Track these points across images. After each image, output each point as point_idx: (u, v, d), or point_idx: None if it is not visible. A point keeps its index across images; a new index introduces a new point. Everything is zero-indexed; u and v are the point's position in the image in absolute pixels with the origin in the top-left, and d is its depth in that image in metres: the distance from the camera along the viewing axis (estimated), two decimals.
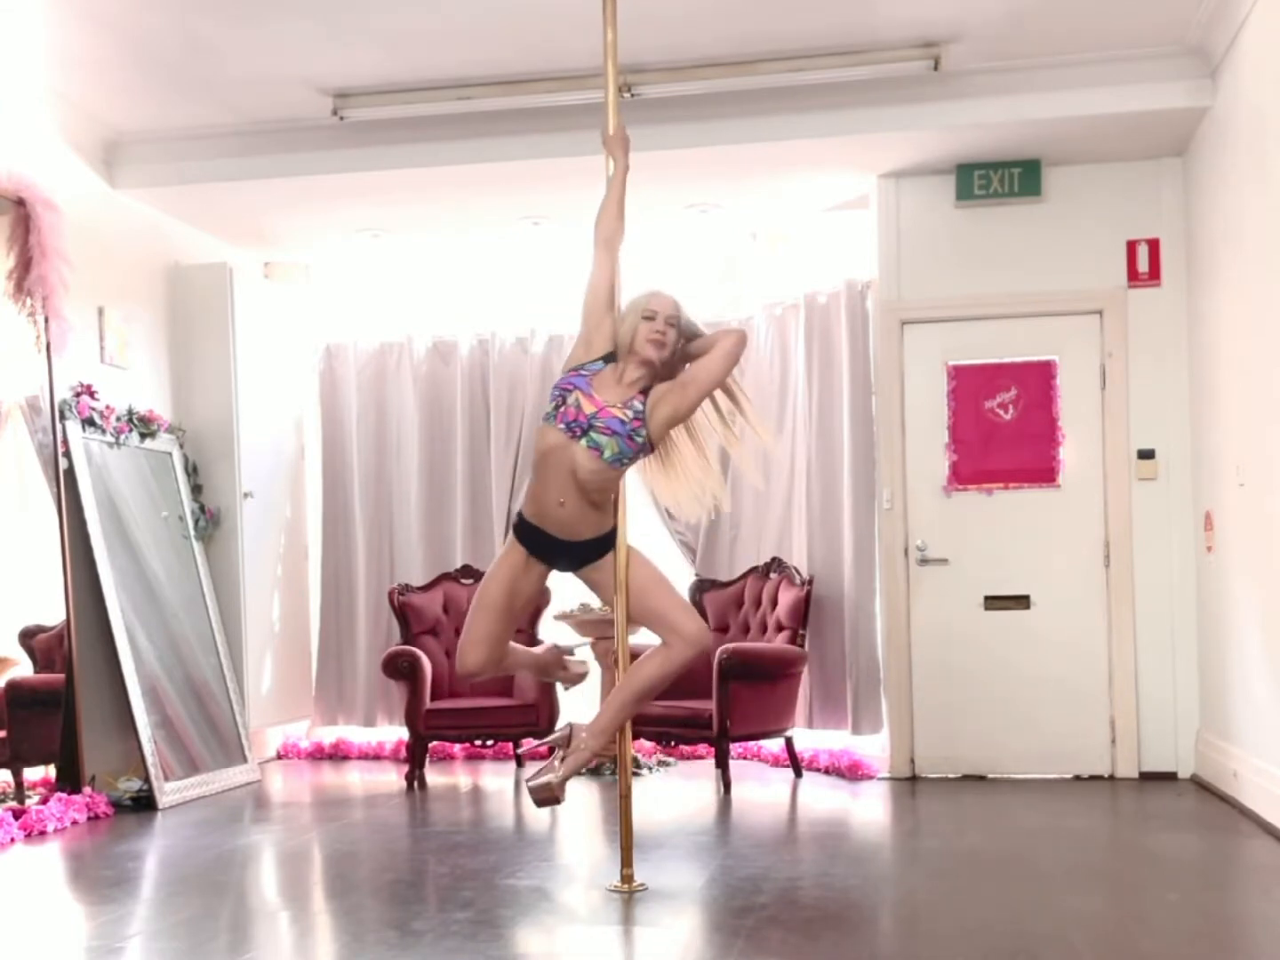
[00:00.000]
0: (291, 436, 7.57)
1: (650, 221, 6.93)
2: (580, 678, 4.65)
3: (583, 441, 3.87)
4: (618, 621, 4.15)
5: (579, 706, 6.73)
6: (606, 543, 4.07)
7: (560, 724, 6.57)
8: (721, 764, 6.06)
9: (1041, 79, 5.68)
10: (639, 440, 3.92)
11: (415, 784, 6.39)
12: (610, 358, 4.01)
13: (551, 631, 7.00)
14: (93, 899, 4.27)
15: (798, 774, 6.38)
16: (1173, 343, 6.24)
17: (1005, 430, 6.38)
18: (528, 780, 4.10)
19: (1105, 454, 6.29)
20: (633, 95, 5.63)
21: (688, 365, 4.05)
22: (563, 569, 4.18)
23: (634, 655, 4.20)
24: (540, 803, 4.06)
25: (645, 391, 3.96)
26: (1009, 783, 6.18)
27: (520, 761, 6.97)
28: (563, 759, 4.04)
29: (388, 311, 7.81)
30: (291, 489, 7.55)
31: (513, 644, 4.34)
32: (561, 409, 3.91)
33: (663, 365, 4.00)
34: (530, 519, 4.04)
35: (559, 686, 6.25)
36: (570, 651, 4.66)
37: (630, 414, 3.89)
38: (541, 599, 7.15)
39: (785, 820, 5.51)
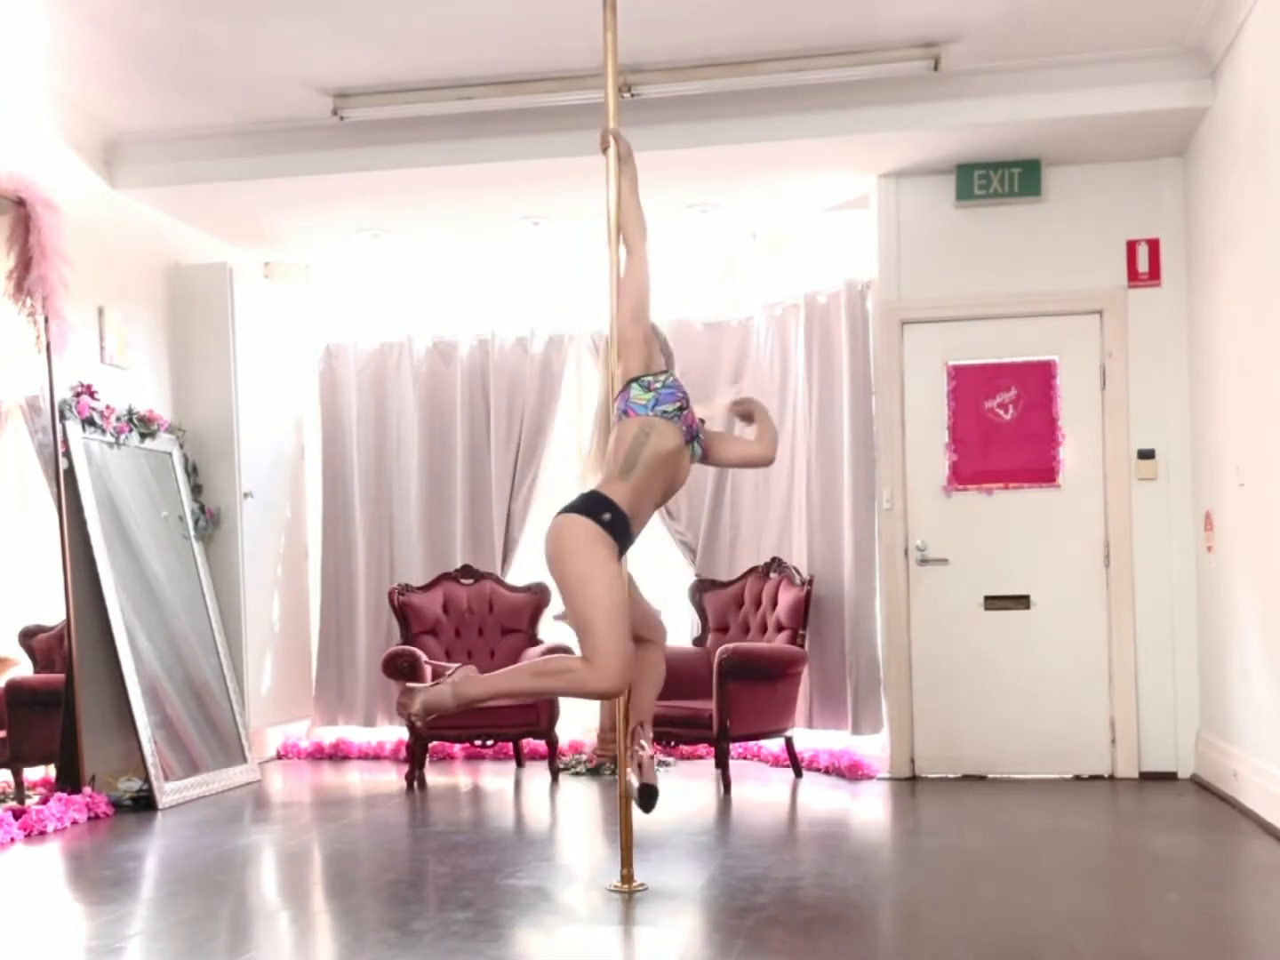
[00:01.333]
0: (291, 436, 7.56)
1: (650, 221, 6.89)
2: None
3: (692, 446, 3.98)
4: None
5: (579, 706, 6.75)
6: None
7: (561, 728, 6.60)
8: (721, 764, 6.06)
9: (1041, 79, 5.68)
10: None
11: (415, 784, 6.39)
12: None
13: (551, 632, 7.02)
14: (93, 899, 4.27)
15: (798, 774, 6.38)
16: (1173, 343, 6.24)
17: (1005, 430, 6.38)
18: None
19: (1105, 454, 6.29)
20: (633, 95, 5.63)
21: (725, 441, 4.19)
22: None
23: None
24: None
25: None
26: (1009, 783, 6.18)
27: (521, 762, 6.97)
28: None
29: (388, 311, 7.81)
30: (291, 489, 7.55)
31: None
32: (685, 412, 3.94)
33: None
34: (628, 512, 3.80)
35: None
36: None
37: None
38: (542, 599, 7.17)
39: (785, 820, 5.51)
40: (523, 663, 4.04)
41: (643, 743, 4.04)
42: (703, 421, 4.07)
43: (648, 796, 3.97)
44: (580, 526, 3.72)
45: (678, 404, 3.90)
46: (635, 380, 3.94)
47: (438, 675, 4.00)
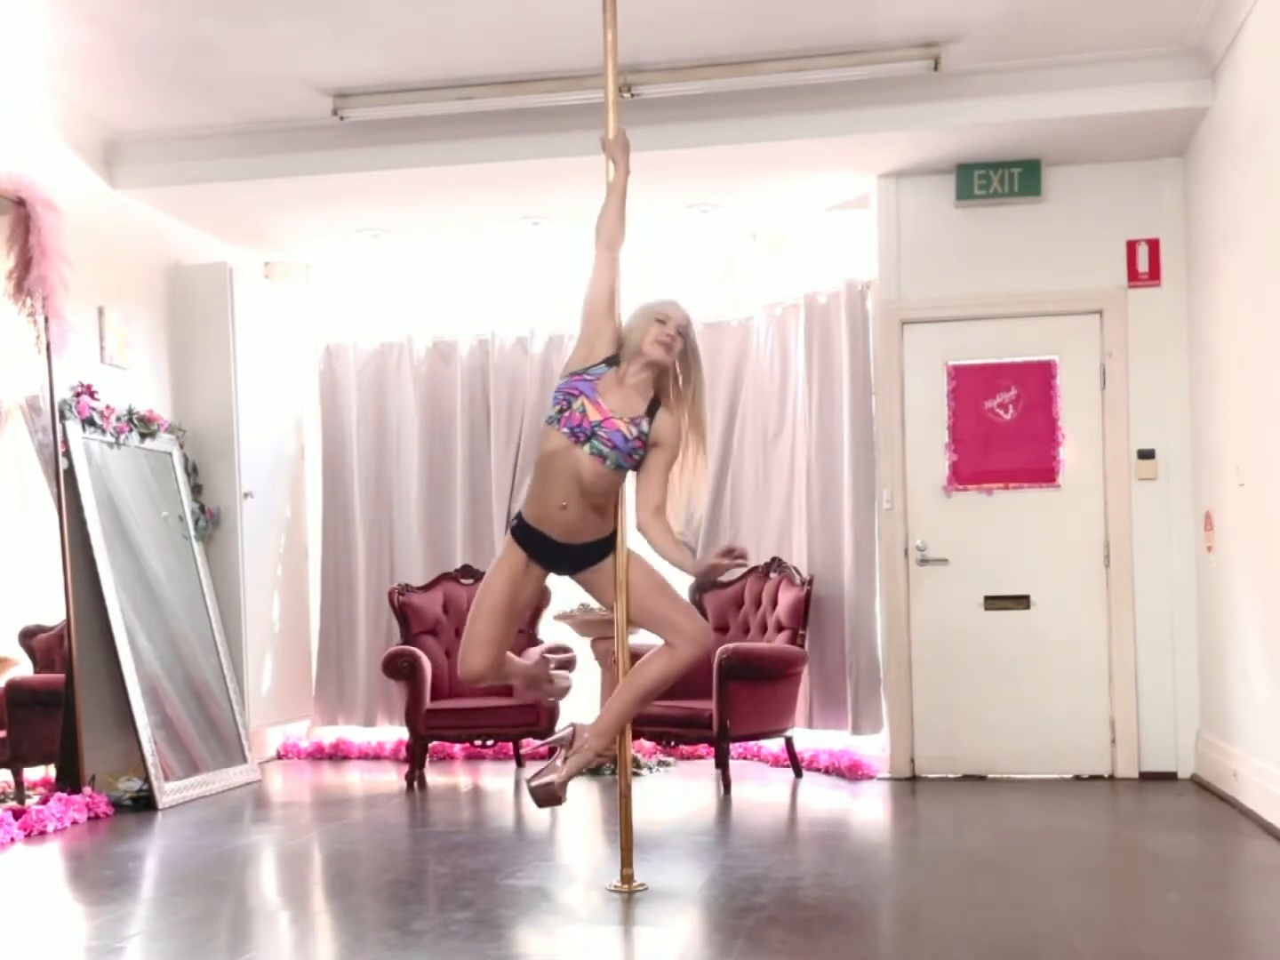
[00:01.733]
0: (291, 436, 7.56)
1: (650, 221, 6.93)
2: (562, 692, 4.80)
3: (586, 447, 3.90)
4: (618, 623, 4.15)
5: (579, 707, 6.74)
6: (606, 546, 4.07)
7: (562, 725, 6.59)
8: (721, 764, 6.06)
9: (1041, 79, 5.68)
10: (636, 458, 3.99)
11: (415, 784, 6.39)
12: (612, 361, 4.02)
13: (551, 632, 7.02)
14: (93, 899, 4.27)
15: (798, 774, 6.38)
16: (1173, 343, 6.24)
17: (1005, 430, 6.38)
18: (529, 780, 4.11)
19: (1105, 454, 6.29)
20: (633, 95, 5.63)
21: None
22: (561, 573, 4.18)
23: (634, 656, 4.19)
24: (542, 803, 4.08)
25: (650, 413, 3.97)
26: (1009, 783, 6.18)
27: (520, 762, 6.97)
28: (565, 759, 4.05)
29: (388, 311, 7.81)
30: (291, 489, 7.55)
31: (509, 654, 4.32)
32: (566, 413, 3.92)
33: (661, 375, 4.03)
34: (530, 521, 4.04)
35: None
36: (558, 665, 4.69)
37: (635, 432, 3.94)
38: (541, 600, 7.16)
39: (785, 820, 5.51)
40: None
41: (570, 751, 4.07)
42: (637, 422, 3.95)
43: (542, 797, 4.05)
44: (505, 540, 4.15)
45: (557, 407, 3.97)
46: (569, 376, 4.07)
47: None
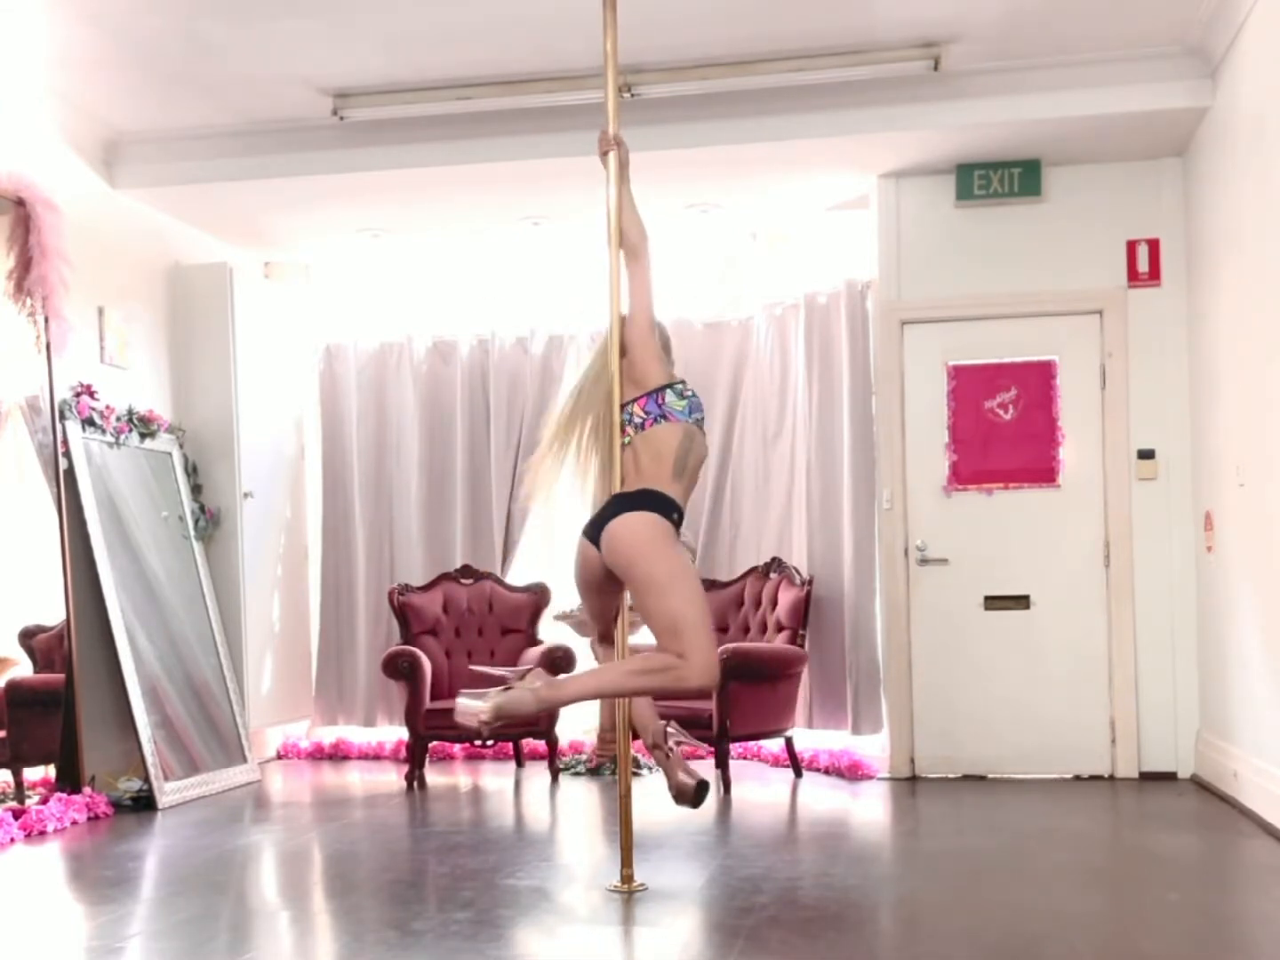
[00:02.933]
0: (291, 436, 7.57)
1: (650, 221, 6.89)
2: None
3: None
4: (621, 616, 4.16)
5: (578, 706, 6.73)
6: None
7: (560, 727, 6.60)
8: (721, 764, 6.06)
9: (1041, 79, 5.67)
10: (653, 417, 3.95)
11: (415, 784, 6.39)
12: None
13: (551, 632, 7.02)
14: (93, 899, 4.27)
15: (798, 774, 6.38)
16: (1173, 343, 6.23)
17: (1005, 430, 6.38)
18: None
19: (1105, 454, 6.29)
20: (633, 95, 5.63)
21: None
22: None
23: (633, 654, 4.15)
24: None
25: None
26: (1009, 783, 6.18)
27: (521, 762, 6.97)
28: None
29: (388, 311, 7.81)
30: (291, 489, 7.55)
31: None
32: (703, 421, 3.99)
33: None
34: (677, 498, 3.84)
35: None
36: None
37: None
38: (543, 599, 7.15)
39: (785, 820, 5.52)
40: (616, 662, 3.97)
41: (674, 743, 4.02)
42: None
43: (703, 792, 3.91)
44: (662, 526, 3.72)
45: (702, 414, 3.99)
46: (669, 387, 3.92)
47: (495, 681, 3.77)
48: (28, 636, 5.77)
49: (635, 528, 3.70)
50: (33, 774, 5.74)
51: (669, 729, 4.01)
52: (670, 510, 3.77)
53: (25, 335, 5.62)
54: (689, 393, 3.95)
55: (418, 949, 3.53)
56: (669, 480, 3.82)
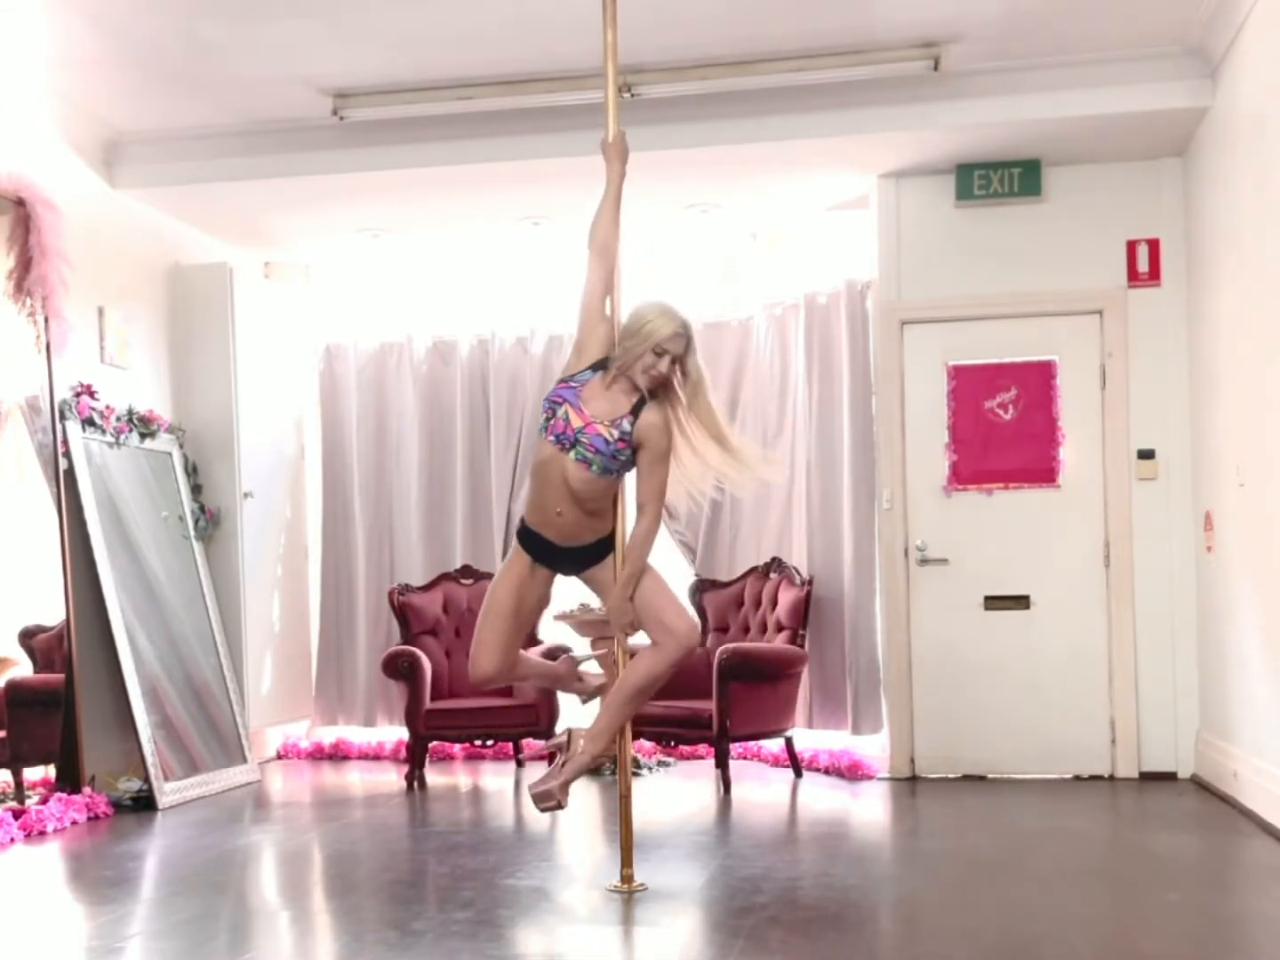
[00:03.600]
0: (291, 436, 7.56)
1: (650, 221, 6.94)
2: (598, 691, 4.49)
3: (572, 454, 3.90)
4: (617, 637, 4.18)
5: (578, 706, 6.73)
6: (607, 545, 4.09)
7: (560, 728, 6.60)
8: (721, 764, 6.06)
9: (1041, 79, 5.67)
10: (622, 459, 3.94)
11: (415, 784, 6.39)
12: (600, 365, 4.01)
13: (551, 632, 7.01)
14: (93, 899, 4.27)
15: (798, 774, 6.38)
16: (1173, 343, 6.23)
17: (1005, 430, 6.38)
18: (530, 786, 4.14)
19: (1105, 454, 6.29)
20: (633, 95, 5.63)
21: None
22: (566, 573, 4.21)
23: (633, 656, 4.20)
24: (543, 809, 4.12)
25: (635, 411, 3.93)
26: (1009, 783, 6.18)
27: (520, 762, 6.97)
28: (563, 764, 4.10)
29: (388, 311, 7.81)
30: (291, 489, 7.55)
31: (526, 654, 4.35)
32: (551, 421, 3.94)
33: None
34: (532, 525, 4.08)
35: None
36: (583, 662, 4.66)
37: (616, 434, 3.90)
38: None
39: (785, 820, 5.51)
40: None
41: (567, 756, 4.10)
42: (620, 424, 3.92)
43: (543, 803, 4.08)
44: (512, 546, 4.23)
45: (545, 415, 3.99)
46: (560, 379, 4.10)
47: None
48: (28, 636, 5.77)
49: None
50: (33, 774, 5.74)
51: (576, 741, 4.16)
52: (519, 531, 4.18)
53: (25, 335, 5.62)
54: (551, 389, 4.06)
55: (418, 949, 3.53)
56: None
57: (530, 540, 4.08)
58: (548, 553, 4.08)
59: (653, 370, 3.91)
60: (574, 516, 3.97)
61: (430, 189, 6.51)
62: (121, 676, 5.82)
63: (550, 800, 4.07)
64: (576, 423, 3.90)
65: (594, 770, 6.46)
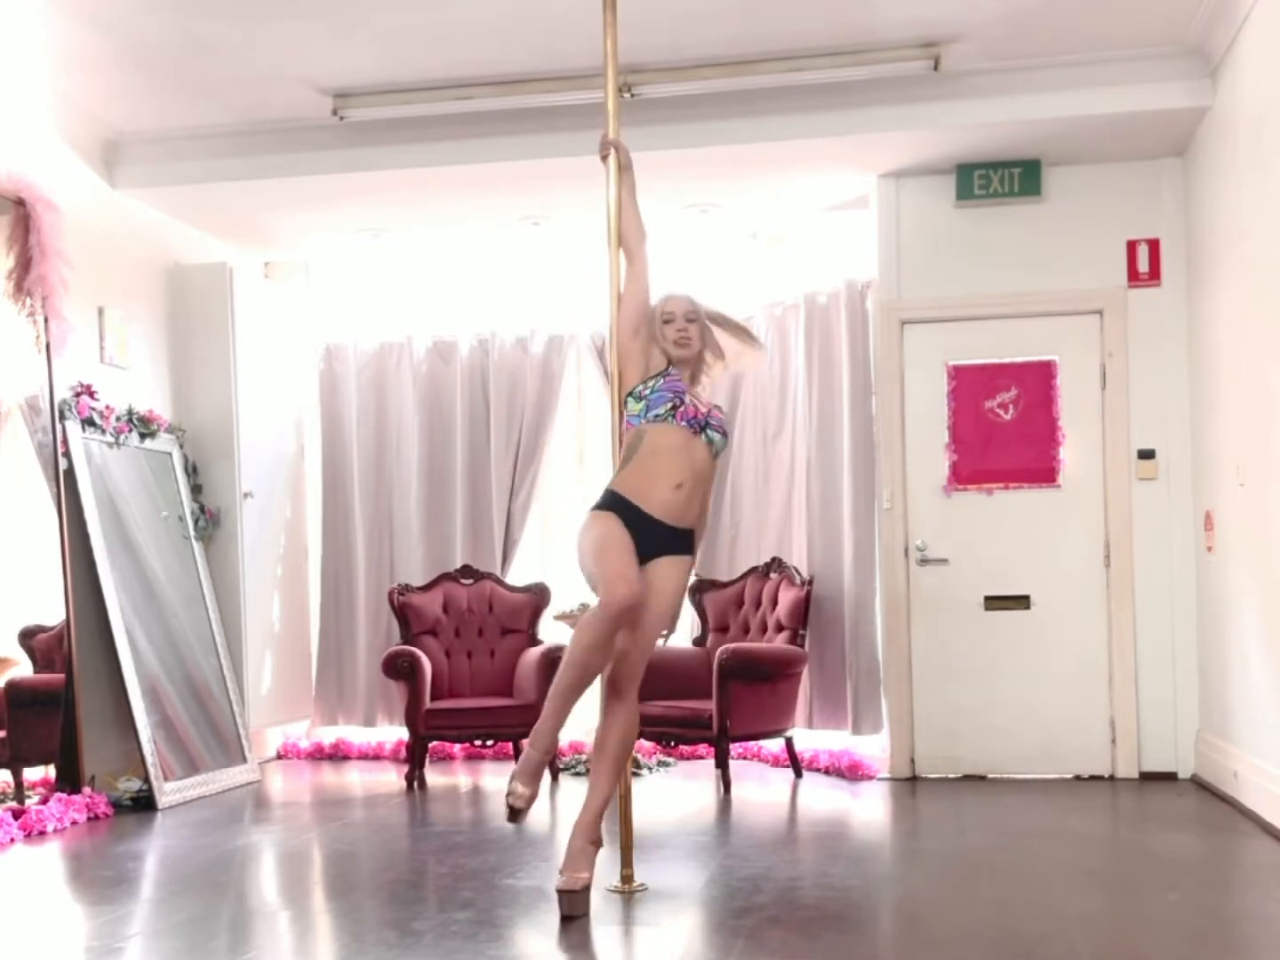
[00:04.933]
0: (291, 436, 7.56)
1: (650, 221, 6.89)
2: None
3: (702, 437, 4.08)
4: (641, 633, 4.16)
5: (579, 706, 6.72)
6: (689, 541, 4.12)
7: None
8: (721, 764, 6.06)
9: (1041, 79, 5.67)
10: (727, 435, 4.26)
11: (415, 784, 6.39)
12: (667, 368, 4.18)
13: (551, 632, 7.01)
14: (93, 899, 4.27)
15: (798, 774, 6.38)
16: (1173, 343, 6.23)
17: (1005, 430, 6.38)
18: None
19: (1105, 454, 6.29)
20: (633, 95, 5.63)
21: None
22: (638, 551, 4.04)
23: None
24: (510, 819, 3.97)
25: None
26: (1009, 783, 6.18)
27: None
28: (512, 776, 3.99)
29: (388, 311, 7.81)
30: (291, 489, 7.54)
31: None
32: (680, 409, 4.06)
33: (696, 357, 4.21)
34: (630, 497, 4.01)
35: None
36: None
37: (723, 417, 4.21)
38: (543, 598, 7.14)
39: (785, 820, 5.51)
40: (555, 683, 4.12)
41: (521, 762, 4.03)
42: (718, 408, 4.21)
43: (508, 815, 3.97)
44: (591, 515, 4.08)
45: (669, 404, 4.05)
46: (630, 394, 4.14)
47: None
48: (28, 636, 5.77)
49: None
50: (33, 774, 5.75)
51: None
52: (605, 499, 4.08)
53: (25, 335, 5.62)
54: (648, 390, 4.11)
55: (418, 949, 3.53)
56: (617, 472, 4.13)
57: (626, 508, 4.00)
58: (641, 523, 4.00)
59: (676, 337, 4.13)
60: (689, 491, 4.05)
61: (430, 189, 6.51)
62: (121, 676, 5.82)
63: (510, 811, 3.93)
64: (702, 409, 4.11)
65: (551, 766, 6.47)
